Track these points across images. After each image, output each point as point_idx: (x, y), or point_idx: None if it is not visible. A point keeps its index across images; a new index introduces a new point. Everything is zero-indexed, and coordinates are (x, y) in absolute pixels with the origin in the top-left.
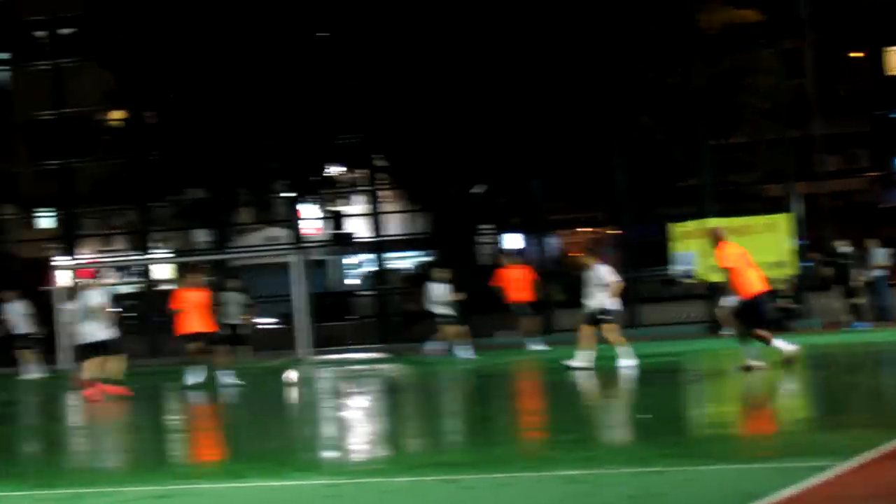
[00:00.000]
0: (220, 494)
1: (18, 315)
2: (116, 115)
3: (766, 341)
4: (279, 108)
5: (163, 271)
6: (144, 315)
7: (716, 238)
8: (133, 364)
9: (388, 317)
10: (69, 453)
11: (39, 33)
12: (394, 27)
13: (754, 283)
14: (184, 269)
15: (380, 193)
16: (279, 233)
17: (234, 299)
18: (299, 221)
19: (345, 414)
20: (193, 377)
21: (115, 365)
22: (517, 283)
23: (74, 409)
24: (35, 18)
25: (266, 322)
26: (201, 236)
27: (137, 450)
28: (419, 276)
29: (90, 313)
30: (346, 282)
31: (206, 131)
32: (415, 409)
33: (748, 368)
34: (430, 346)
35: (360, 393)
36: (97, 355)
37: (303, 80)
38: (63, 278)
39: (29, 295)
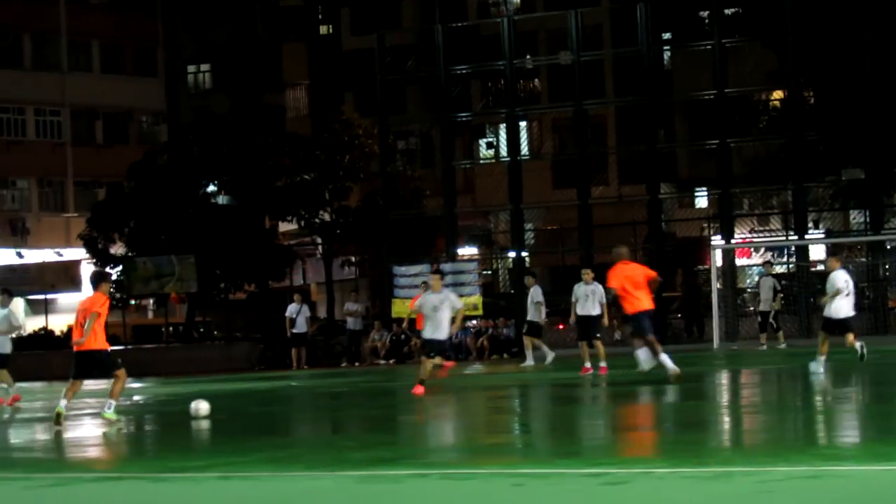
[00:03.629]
0: (868, 477)
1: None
2: (776, 94)
3: None
4: None
5: (817, 252)
6: (798, 296)
7: None
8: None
9: None
10: (716, 431)
11: (703, 13)
12: None
13: None
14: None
15: None
16: None
17: (767, 285)
18: None
19: None
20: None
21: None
22: None
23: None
24: None
25: None
26: (856, 217)
27: (784, 429)
28: None
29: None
30: None
31: (865, 111)
32: None
33: None
34: None
35: None
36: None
37: None
38: (718, 258)
39: (684, 274)
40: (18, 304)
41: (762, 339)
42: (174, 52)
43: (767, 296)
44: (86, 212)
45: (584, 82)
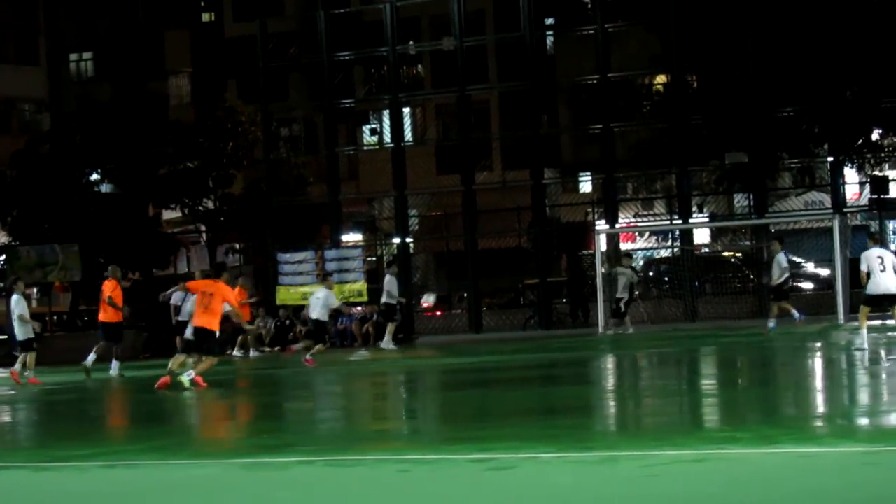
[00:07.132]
0: (753, 461)
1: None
2: (660, 78)
3: None
4: (820, 70)
5: (702, 236)
6: (682, 280)
7: None
8: (670, 328)
9: None
10: (602, 416)
11: None
12: None
13: None
14: None
15: None
16: (820, 197)
17: (625, 275)
18: (841, 186)
19: (881, 381)
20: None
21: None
22: None
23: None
24: None
25: (805, 287)
26: (740, 200)
27: (670, 413)
28: None
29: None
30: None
31: (748, 94)
32: None
33: None
34: None
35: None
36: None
37: (846, 42)
38: (602, 242)
39: (568, 259)
40: None
41: (610, 325)
42: (56, 39)
43: (625, 287)
44: None
45: (467, 68)
